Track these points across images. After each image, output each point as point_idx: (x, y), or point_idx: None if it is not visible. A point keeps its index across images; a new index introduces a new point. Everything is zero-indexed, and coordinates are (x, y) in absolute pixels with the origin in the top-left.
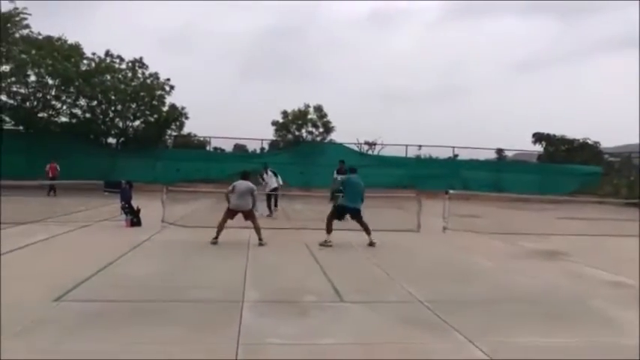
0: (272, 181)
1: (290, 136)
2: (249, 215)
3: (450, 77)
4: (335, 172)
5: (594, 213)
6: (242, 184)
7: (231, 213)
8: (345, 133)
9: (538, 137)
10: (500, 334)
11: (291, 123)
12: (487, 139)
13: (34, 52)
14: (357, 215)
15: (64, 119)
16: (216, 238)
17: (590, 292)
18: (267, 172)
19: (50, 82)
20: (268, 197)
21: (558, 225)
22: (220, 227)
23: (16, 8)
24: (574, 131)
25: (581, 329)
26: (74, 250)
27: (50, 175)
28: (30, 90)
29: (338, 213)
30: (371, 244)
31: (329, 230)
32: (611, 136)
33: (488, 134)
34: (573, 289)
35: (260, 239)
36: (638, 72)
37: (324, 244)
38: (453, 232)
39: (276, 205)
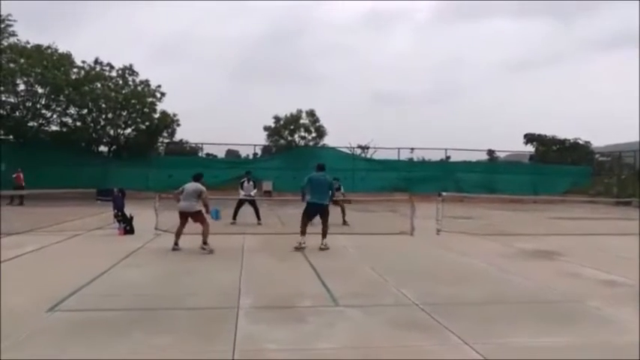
0: (250, 190)
1: (282, 141)
2: (196, 218)
3: (443, 79)
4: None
5: (586, 212)
6: (191, 186)
7: (180, 216)
8: (338, 136)
9: (530, 138)
10: (495, 336)
11: (283, 128)
12: (480, 141)
13: (22, 60)
14: (323, 212)
15: (54, 128)
16: (176, 244)
17: (584, 292)
18: (248, 182)
19: (40, 90)
20: (239, 203)
21: (551, 225)
22: (177, 233)
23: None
24: (565, 131)
25: (576, 329)
26: (67, 259)
27: (16, 182)
28: (19, 99)
29: (307, 212)
30: (322, 248)
31: (303, 232)
32: (601, 136)
33: (480, 136)
34: (567, 288)
35: (204, 243)
36: (638, 72)
37: (298, 246)
38: (447, 234)
39: (259, 218)
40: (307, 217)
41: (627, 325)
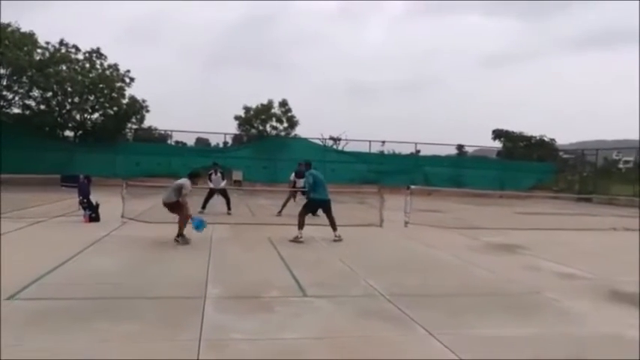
0: (218, 183)
1: (254, 130)
2: (173, 208)
3: (415, 71)
4: (293, 174)
5: (550, 208)
6: (178, 181)
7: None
8: (310, 127)
9: (497, 134)
10: (461, 326)
11: (254, 118)
12: (449, 136)
13: None
14: (328, 208)
15: (16, 110)
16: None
17: (544, 284)
18: (216, 173)
19: (1, 71)
20: (210, 193)
21: (516, 219)
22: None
23: None
24: (532, 128)
25: (538, 320)
26: (28, 247)
27: None
28: None
29: (311, 208)
30: (337, 239)
31: (301, 226)
32: (566, 133)
33: (450, 130)
34: (530, 281)
35: (178, 236)
36: (635, 71)
37: (295, 239)
38: (415, 227)
39: (229, 208)
40: (307, 212)
41: (585, 317)
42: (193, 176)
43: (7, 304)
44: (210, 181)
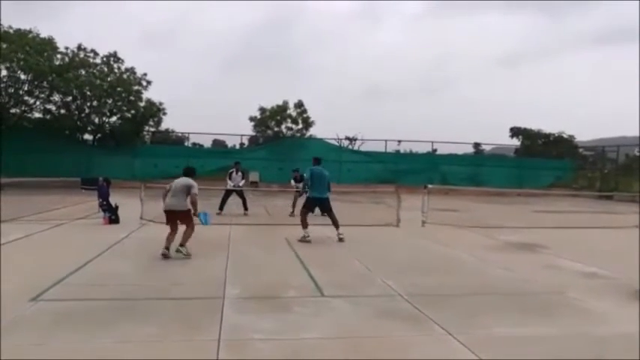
0: (237, 181)
1: (269, 132)
2: (184, 218)
3: (432, 73)
4: (292, 180)
5: (569, 206)
6: (180, 182)
7: (167, 216)
8: (326, 128)
9: (515, 131)
10: (479, 326)
11: (270, 119)
12: (466, 134)
13: (5, 46)
14: (326, 205)
15: (37, 115)
16: (166, 248)
17: (565, 284)
18: (237, 172)
19: (22, 77)
20: (227, 194)
21: (535, 218)
22: (168, 237)
23: None
24: (550, 125)
25: (557, 320)
26: (50, 248)
27: None
28: (1, 85)
29: (309, 206)
30: (340, 239)
31: (304, 225)
32: (586, 130)
33: (467, 129)
34: (549, 280)
35: (181, 245)
36: (639, 67)
37: (303, 239)
38: (432, 226)
39: (246, 208)
40: (308, 211)
41: (607, 317)
42: (191, 173)
43: (32, 305)
44: (230, 179)
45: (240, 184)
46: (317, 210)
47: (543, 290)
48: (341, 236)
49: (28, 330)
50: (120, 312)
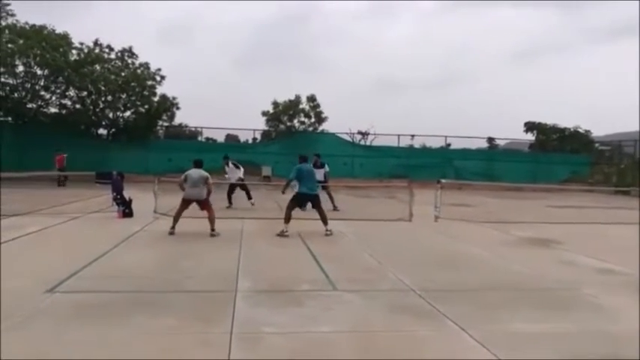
0: (234, 173)
1: (282, 126)
2: (204, 205)
3: (445, 67)
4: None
5: (585, 201)
6: (195, 173)
7: (185, 203)
8: (339, 123)
9: (530, 126)
10: (492, 322)
11: (282, 113)
12: (480, 128)
13: (21, 41)
14: (316, 202)
15: (53, 110)
16: (173, 227)
17: (580, 280)
18: (228, 165)
19: (39, 72)
20: (231, 187)
21: (549, 213)
22: (176, 217)
23: None
24: (566, 120)
25: (572, 316)
26: (66, 241)
27: (57, 166)
28: (18, 80)
29: (298, 202)
30: (327, 233)
31: (287, 220)
32: (602, 125)
33: (481, 123)
34: (564, 276)
35: (212, 229)
36: (638, 62)
37: (281, 233)
38: (445, 221)
39: (250, 198)
40: (294, 206)
41: (622, 314)
42: (201, 164)
43: (48, 296)
44: (225, 172)
45: (240, 175)
46: (309, 205)
47: (558, 286)
48: (328, 233)
49: (44, 321)
50: (134, 304)
